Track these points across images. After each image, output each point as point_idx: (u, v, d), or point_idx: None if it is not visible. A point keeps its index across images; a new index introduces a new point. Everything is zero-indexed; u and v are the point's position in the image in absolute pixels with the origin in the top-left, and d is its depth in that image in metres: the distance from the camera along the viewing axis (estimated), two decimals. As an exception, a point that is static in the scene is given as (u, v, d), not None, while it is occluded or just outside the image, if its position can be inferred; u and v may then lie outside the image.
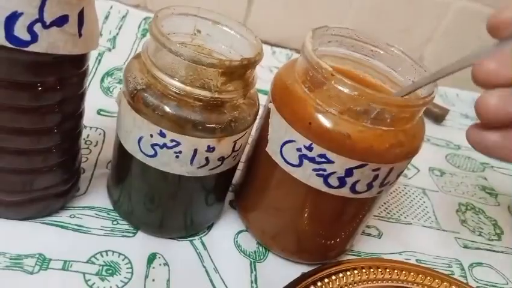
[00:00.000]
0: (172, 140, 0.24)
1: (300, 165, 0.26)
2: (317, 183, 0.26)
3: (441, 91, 0.62)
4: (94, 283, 0.24)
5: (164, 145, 0.24)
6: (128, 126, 0.25)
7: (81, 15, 0.21)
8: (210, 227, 0.30)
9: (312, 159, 0.25)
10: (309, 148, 0.25)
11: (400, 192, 0.41)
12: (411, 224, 0.38)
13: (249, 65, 0.24)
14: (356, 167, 0.25)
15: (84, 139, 0.33)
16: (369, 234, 0.35)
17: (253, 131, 0.29)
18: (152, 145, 0.24)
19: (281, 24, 0.56)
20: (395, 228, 0.37)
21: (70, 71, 0.22)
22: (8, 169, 0.24)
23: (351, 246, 0.32)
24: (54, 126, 0.24)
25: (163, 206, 0.28)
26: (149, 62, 0.24)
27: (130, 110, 0.24)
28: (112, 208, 0.29)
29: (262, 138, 0.28)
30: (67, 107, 0.24)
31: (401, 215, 0.38)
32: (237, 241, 0.30)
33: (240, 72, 0.24)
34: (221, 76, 0.23)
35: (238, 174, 0.32)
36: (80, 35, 0.21)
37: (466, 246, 0.37)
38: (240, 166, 0.31)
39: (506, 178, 0.49)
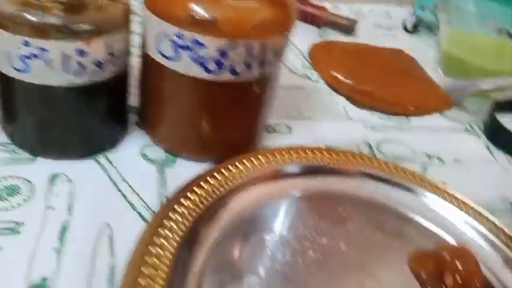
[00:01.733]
0: (39, 48, 0.24)
1: (177, 57, 0.26)
2: (198, 72, 0.27)
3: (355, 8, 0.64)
4: (-6, 204, 0.25)
5: (33, 55, 0.24)
6: (-3, 44, 0.25)
7: None
8: (114, 146, 0.31)
9: (186, 47, 0.26)
10: (180, 36, 0.26)
11: (311, 95, 0.43)
12: (321, 119, 0.39)
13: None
14: (228, 47, 0.26)
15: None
16: (279, 132, 0.37)
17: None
18: (22, 58, 0.24)
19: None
20: (305, 125, 0.38)
21: None
22: None
23: (258, 142, 0.34)
24: None
25: (56, 126, 0.28)
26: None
27: (-6, 26, 0.24)
28: (8, 142, 0.29)
29: (144, 44, 0.29)
30: None
31: (312, 113, 0.40)
32: (144, 153, 0.31)
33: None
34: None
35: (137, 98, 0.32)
36: None
37: (373, 128, 0.40)
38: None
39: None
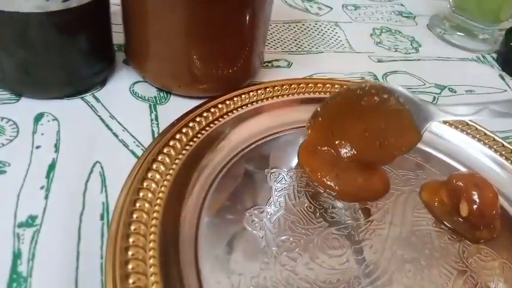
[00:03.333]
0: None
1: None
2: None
3: None
4: (-25, 146, 0.23)
5: (-2, -22, 0.22)
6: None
7: None
8: (102, 84, 0.29)
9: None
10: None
11: (311, 29, 0.40)
12: (322, 52, 0.37)
13: None
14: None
15: None
16: (278, 66, 0.34)
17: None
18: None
19: None
20: (306, 58, 0.36)
21: None
22: None
23: (255, 75, 0.32)
24: None
25: (35, 62, 0.26)
26: None
27: None
28: (-12, 82, 0.27)
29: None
30: None
31: (312, 47, 0.38)
32: (133, 90, 0.29)
33: None
34: None
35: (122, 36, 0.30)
36: None
37: (380, 61, 0.37)
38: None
39: (423, 1, 0.49)
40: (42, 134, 0.25)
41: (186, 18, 0.26)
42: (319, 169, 0.26)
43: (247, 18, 0.27)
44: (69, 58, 0.26)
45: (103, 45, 0.29)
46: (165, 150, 0.24)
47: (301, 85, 0.30)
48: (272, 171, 0.25)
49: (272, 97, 0.29)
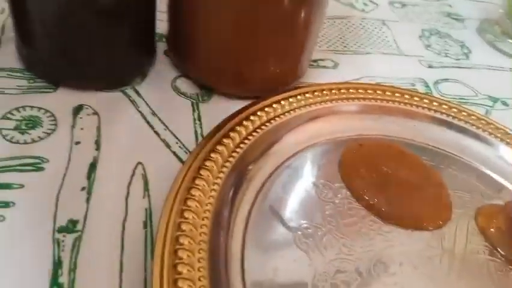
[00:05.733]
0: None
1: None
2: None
3: None
4: (13, 137, 0.22)
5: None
6: None
7: None
8: (143, 77, 0.27)
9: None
10: None
11: (357, 26, 0.38)
12: (369, 53, 0.35)
13: None
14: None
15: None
16: (324, 66, 0.32)
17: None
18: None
19: None
20: (352, 59, 0.34)
21: None
22: None
23: (302, 77, 0.30)
24: None
25: (78, 52, 0.24)
26: None
27: None
28: (26, 68, 0.26)
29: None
30: None
31: (359, 46, 0.35)
32: (175, 85, 0.28)
33: None
34: None
35: (166, 25, 0.28)
36: None
37: (430, 66, 0.35)
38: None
39: (472, 4, 0.46)
40: (82, 129, 0.23)
41: (240, 13, 0.24)
42: (365, 189, 0.24)
43: (305, 15, 0.25)
44: (111, 47, 0.25)
45: (147, 35, 0.27)
46: (212, 156, 0.22)
47: (350, 90, 0.28)
48: (321, 182, 0.24)
49: (321, 102, 0.27)
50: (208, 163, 0.22)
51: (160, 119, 0.25)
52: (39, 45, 0.24)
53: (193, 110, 0.26)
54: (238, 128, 0.24)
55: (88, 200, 0.20)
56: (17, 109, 0.23)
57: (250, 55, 0.26)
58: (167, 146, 0.24)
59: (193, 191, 0.20)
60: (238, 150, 0.23)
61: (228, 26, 0.25)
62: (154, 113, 0.25)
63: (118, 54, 0.25)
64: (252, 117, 0.25)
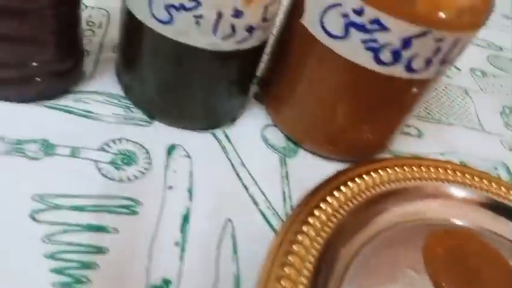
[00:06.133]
0: (191, 0, 0.20)
1: (345, 36, 0.21)
2: (365, 60, 0.22)
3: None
4: (108, 172, 0.22)
5: (182, 6, 0.20)
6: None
7: None
8: (233, 121, 0.27)
9: (361, 27, 0.21)
10: (359, 12, 0.20)
11: (441, 92, 0.37)
12: (452, 124, 0.34)
13: None
14: (417, 36, 0.20)
15: (86, 20, 0.29)
16: (408, 134, 0.32)
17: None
18: (167, 6, 0.20)
19: None
20: (436, 129, 0.33)
21: None
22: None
23: (389, 143, 0.29)
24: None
25: (181, 90, 0.24)
26: None
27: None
28: (123, 95, 0.25)
29: (295, 7, 0.24)
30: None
31: (442, 115, 0.35)
32: (264, 135, 0.27)
33: None
34: None
35: (262, 66, 0.28)
36: None
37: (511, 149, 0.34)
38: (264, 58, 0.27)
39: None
40: (174, 172, 0.23)
41: (349, 85, 0.24)
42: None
43: (415, 97, 0.25)
44: (216, 92, 0.24)
45: (249, 78, 0.27)
46: (304, 229, 0.21)
47: (448, 170, 0.27)
48: (412, 274, 0.23)
49: (415, 179, 0.26)
50: (300, 237, 0.21)
51: (248, 172, 0.24)
52: (142, 78, 0.24)
53: (281, 166, 0.25)
54: (328, 198, 0.24)
55: (181, 257, 0.19)
56: (113, 141, 0.23)
57: (346, 121, 0.25)
58: (255, 203, 0.23)
59: (286, 269, 0.20)
60: (329, 223, 0.23)
61: (330, 91, 0.24)
62: (243, 164, 0.25)
63: (219, 96, 0.25)
64: (342, 188, 0.24)
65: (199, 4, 0.19)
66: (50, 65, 0.22)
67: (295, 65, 0.25)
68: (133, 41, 0.23)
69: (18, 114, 0.22)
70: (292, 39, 0.24)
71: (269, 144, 0.26)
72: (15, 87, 0.22)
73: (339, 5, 0.21)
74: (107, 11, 0.30)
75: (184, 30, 0.21)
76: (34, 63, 0.21)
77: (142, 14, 0.21)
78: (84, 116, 0.23)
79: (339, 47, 0.22)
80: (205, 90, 0.24)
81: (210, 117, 0.26)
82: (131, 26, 0.22)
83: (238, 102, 0.27)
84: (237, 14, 0.20)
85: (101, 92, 0.25)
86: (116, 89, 0.26)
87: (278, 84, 0.27)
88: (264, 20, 0.22)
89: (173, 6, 0.20)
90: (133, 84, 0.25)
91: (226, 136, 0.26)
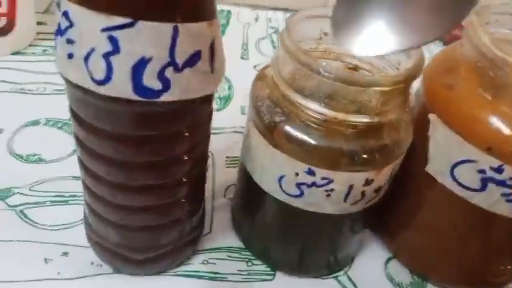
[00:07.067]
0: (323, 178, 0.20)
1: (482, 189, 0.20)
2: (504, 210, 0.20)
3: None
4: None
5: (313, 184, 0.20)
6: (264, 162, 0.21)
7: (212, 46, 0.16)
8: (352, 259, 0.26)
9: (501, 183, 0.20)
10: (499, 170, 0.19)
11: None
12: None
13: (415, 75, 0.19)
14: None
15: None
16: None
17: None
18: (298, 184, 0.20)
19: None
20: None
21: (200, 113, 0.19)
22: (137, 227, 0.21)
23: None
24: (183, 177, 0.20)
25: (305, 244, 0.24)
26: (285, 86, 0.19)
27: (266, 145, 0.20)
28: (242, 246, 0.26)
29: (413, 154, 0.23)
30: (195, 153, 0.20)
31: None
32: (388, 272, 0.26)
33: (403, 87, 0.19)
34: (382, 95, 0.18)
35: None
36: (212, 70, 0.17)
37: None
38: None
39: None
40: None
41: (477, 228, 0.22)
42: None
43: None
44: (339, 243, 0.24)
45: (368, 223, 0.26)
46: None
47: None
48: None
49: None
50: None
51: (381, 323, 0.23)
52: (263, 233, 0.24)
53: (413, 310, 0.24)
54: None
55: None
56: (243, 305, 0.23)
57: (475, 261, 0.24)
58: None
59: None
60: None
61: (458, 231, 0.23)
62: (373, 311, 0.24)
63: (342, 244, 0.24)
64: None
65: (331, 181, 0.20)
66: (184, 238, 0.23)
67: (416, 205, 0.24)
68: (254, 202, 0.24)
69: (151, 287, 0.23)
70: (412, 182, 0.24)
71: (396, 284, 0.25)
72: (151, 265, 0.23)
73: (474, 161, 0.20)
74: (211, 152, 0.31)
75: (313, 202, 0.21)
76: (172, 241, 0.22)
77: (271, 188, 0.21)
78: (212, 278, 0.24)
79: (474, 198, 0.21)
80: (328, 242, 0.24)
81: (333, 265, 0.25)
82: (254, 191, 0.23)
83: (359, 242, 0.26)
84: (368, 182, 0.20)
85: (222, 247, 0.25)
86: (235, 241, 0.26)
87: (396, 220, 0.26)
88: (391, 176, 0.21)
89: (304, 184, 0.20)
90: (253, 237, 0.25)
91: (349, 279, 0.25)
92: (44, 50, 0.38)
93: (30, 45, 0.38)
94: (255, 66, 0.41)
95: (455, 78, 0.21)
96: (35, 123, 0.31)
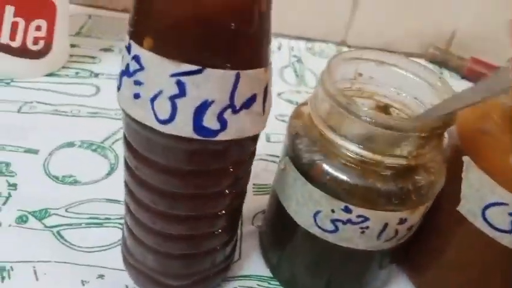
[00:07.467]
0: (358, 216, 0.20)
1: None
2: (534, 252, 0.21)
3: None
4: None
5: (349, 221, 0.21)
6: (300, 198, 0.22)
7: (266, 90, 0.17)
8: (378, 291, 0.27)
9: (533, 227, 0.20)
10: (529, 213, 0.20)
11: None
12: None
13: (452, 122, 0.20)
14: None
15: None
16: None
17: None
18: (333, 220, 0.21)
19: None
20: None
21: (247, 150, 0.19)
22: (174, 254, 0.22)
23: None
24: (223, 209, 0.21)
25: (333, 277, 0.24)
26: (323, 125, 0.20)
27: (304, 182, 0.21)
28: (270, 275, 0.26)
29: (445, 193, 0.24)
30: (237, 187, 0.21)
31: None
32: (412, 307, 0.26)
33: (440, 132, 0.20)
34: (419, 139, 0.19)
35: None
36: (263, 111, 0.18)
37: None
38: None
39: None
40: None
41: (504, 266, 0.23)
42: None
43: None
44: (367, 275, 0.25)
45: (396, 259, 0.26)
46: None
47: None
48: None
49: None
50: None
51: None
52: (292, 263, 0.25)
53: None
54: None
55: None
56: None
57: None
58: None
59: None
60: None
61: (486, 272, 0.24)
62: None
63: (371, 278, 0.25)
64: None
65: (366, 219, 0.20)
66: (217, 266, 0.24)
67: (444, 242, 0.25)
68: (286, 234, 0.24)
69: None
70: (441, 220, 0.24)
71: (421, 320, 0.26)
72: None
73: (506, 204, 0.21)
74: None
75: (347, 238, 0.21)
76: (205, 269, 0.23)
77: (305, 223, 0.22)
78: (243, 309, 0.24)
79: (504, 239, 0.21)
80: (356, 276, 0.24)
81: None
82: (288, 224, 0.23)
83: (385, 276, 0.26)
84: (402, 221, 0.21)
85: (251, 275, 0.26)
86: (263, 268, 0.26)
87: (422, 256, 0.26)
88: (423, 215, 0.22)
89: (340, 220, 0.21)
90: (281, 266, 0.26)
91: (376, 312, 0.26)
92: (77, 73, 0.40)
93: (63, 67, 0.40)
94: (279, 94, 0.42)
95: (489, 123, 0.22)
96: (70, 145, 0.32)
